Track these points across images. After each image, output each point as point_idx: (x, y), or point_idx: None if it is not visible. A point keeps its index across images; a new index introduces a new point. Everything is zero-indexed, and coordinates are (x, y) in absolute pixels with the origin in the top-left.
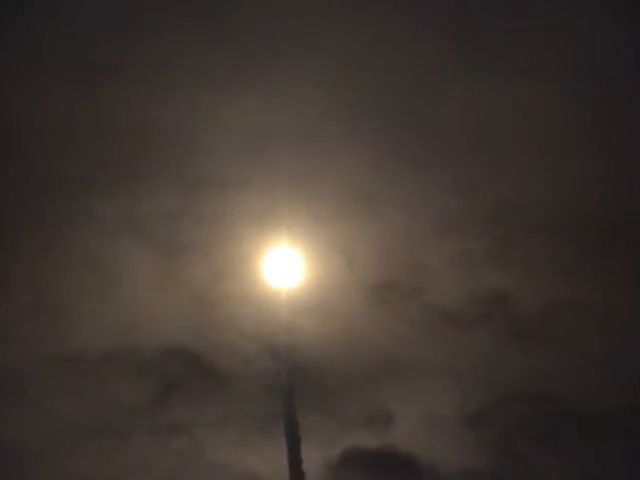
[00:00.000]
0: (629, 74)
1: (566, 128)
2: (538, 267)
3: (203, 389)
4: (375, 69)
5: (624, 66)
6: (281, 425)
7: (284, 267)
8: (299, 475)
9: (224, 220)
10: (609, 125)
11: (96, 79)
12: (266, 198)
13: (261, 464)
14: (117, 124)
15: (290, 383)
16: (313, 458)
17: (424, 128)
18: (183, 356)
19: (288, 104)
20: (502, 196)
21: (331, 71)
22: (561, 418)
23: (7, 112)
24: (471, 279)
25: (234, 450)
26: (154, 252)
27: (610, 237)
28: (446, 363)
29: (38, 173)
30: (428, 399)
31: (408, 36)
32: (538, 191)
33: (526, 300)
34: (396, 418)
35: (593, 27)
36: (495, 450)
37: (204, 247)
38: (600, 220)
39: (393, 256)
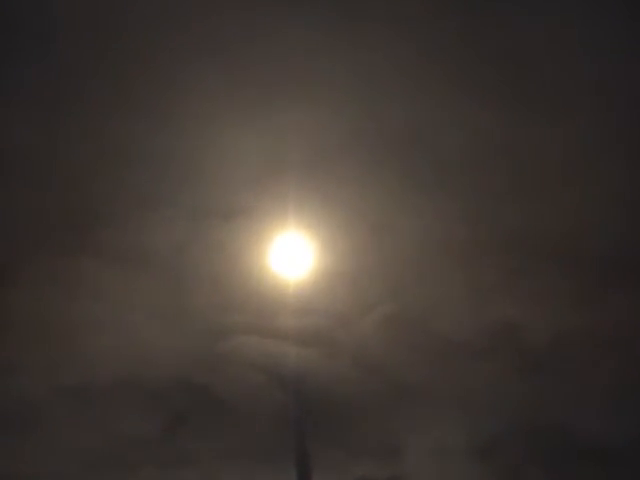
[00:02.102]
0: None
1: (577, 159)
2: (548, 298)
3: (212, 420)
4: (385, 98)
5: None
6: (291, 456)
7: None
8: None
9: (232, 250)
10: (622, 156)
11: (104, 110)
12: (274, 227)
13: None
14: (126, 155)
15: (299, 413)
16: None
17: (435, 158)
18: (192, 387)
19: (298, 134)
20: (512, 226)
21: (341, 100)
22: (571, 450)
23: (15, 143)
24: (480, 309)
25: None
26: (163, 282)
27: (622, 268)
28: (455, 393)
29: (47, 204)
30: (437, 430)
31: (421, 66)
32: (548, 221)
33: (535, 330)
34: (406, 448)
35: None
36: None
37: (213, 277)
38: (612, 251)
39: (402, 285)
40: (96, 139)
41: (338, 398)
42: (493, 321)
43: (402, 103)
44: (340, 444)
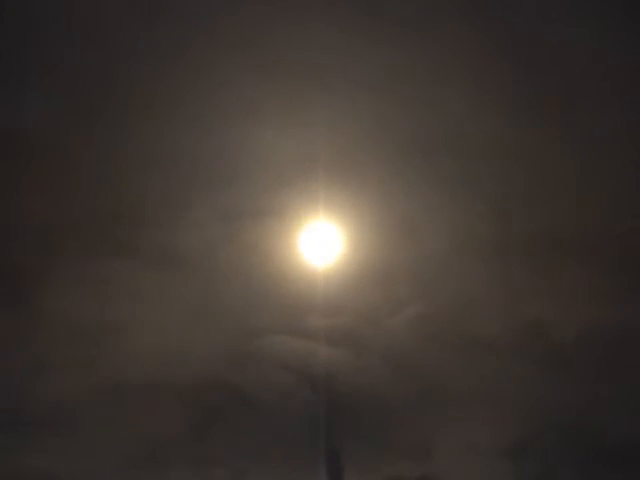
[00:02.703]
0: None
1: (603, 157)
2: (577, 295)
3: (243, 419)
4: (410, 99)
5: None
6: (322, 455)
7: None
8: None
9: (264, 250)
10: None
11: (135, 110)
12: (305, 226)
13: None
14: (157, 156)
15: (330, 413)
16: None
17: (460, 157)
18: (223, 386)
19: (325, 135)
20: (539, 225)
21: (367, 101)
22: (603, 449)
23: (46, 144)
24: (508, 307)
25: None
26: (194, 282)
27: None
28: (485, 392)
29: (79, 205)
30: (468, 429)
31: (442, 68)
32: (575, 219)
33: (566, 329)
34: (436, 448)
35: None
36: None
37: (244, 277)
38: None
39: (430, 284)
40: (127, 140)
41: (368, 397)
42: (522, 319)
43: (428, 103)
44: (371, 443)
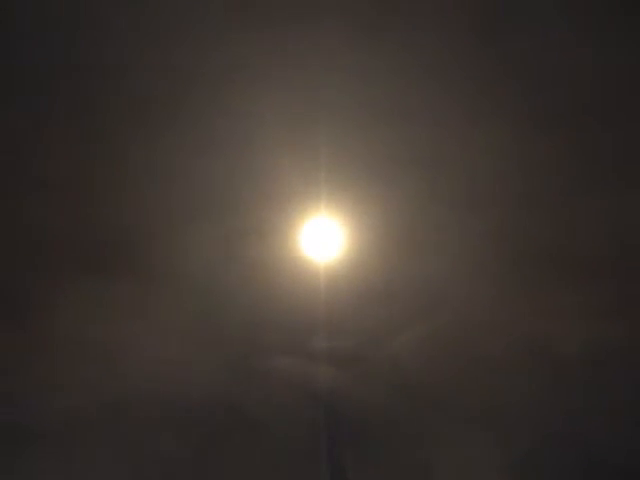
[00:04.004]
0: None
1: (605, 171)
2: (579, 311)
3: (246, 440)
4: (415, 117)
5: None
6: (326, 475)
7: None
8: None
9: (267, 269)
10: None
11: (138, 128)
12: (308, 245)
13: None
14: (163, 173)
15: (333, 432)
16: None
17: (463, 174)
18: (226, 407)
19: (331, 153)
20: (543, 241)
21: (370, 118)
22: (606, 465)
23: (48, 164)
24: (511, 325)
25: None
26: (198, 301)
27: None
28: (488, 410)
29: (82, 224)
30: (471, 446)
31: (446, 86)
32: (579, 236)
33: (567, 344)
34: (439, 465)
35: None
36: None
37: (248, 296)
38: None
39: (432, 302)
40: (130, 158)
41: (372, 416)
42: (525, 337)
43: (432, 121)
44: (374, 463)
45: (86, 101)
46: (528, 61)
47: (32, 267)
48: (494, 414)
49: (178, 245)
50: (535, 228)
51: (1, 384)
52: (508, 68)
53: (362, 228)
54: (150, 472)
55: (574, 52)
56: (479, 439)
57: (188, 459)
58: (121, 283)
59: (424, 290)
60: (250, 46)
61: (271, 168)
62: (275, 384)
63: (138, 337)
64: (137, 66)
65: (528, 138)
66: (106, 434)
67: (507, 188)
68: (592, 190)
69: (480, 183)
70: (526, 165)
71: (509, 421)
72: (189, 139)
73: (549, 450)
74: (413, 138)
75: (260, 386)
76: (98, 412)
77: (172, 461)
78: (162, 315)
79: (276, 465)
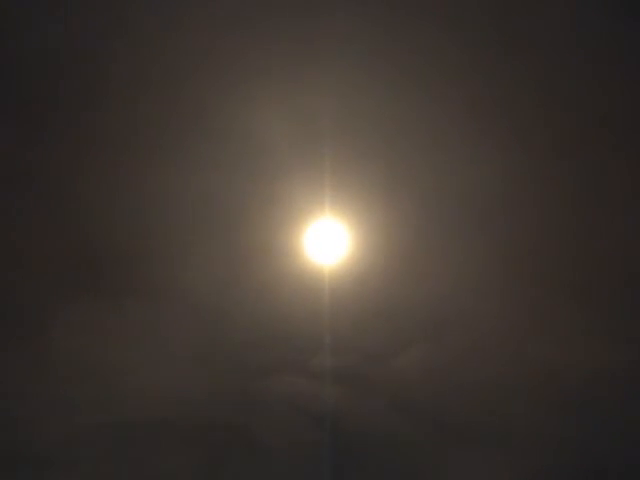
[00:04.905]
0: None
1: (616, 199)
2: (586, 335)
3: (247, 459)
4: (422, 123)
5: None
6: None
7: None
8: None
9: (272, 289)
10: None
11: (145, 148)
12: (313, 265)
13: None
14: (166, 194)
15: (336, 452)
16: None
17: (463, 198)
18: (227, 427)
19: (333, 176)
20: (543, 262)
21: (374, 125)
22: None
23: (54, 181)
24: (517, 349)
25: None
26: (201, 321)
27: None
28: (493, 434)
29: (84, 244)
30: (475, 469)
31: (455, 100)
32: (588, 261)
33: (574, 370)
34: None
35: None
36: None
37: (251, 316)
38: None
39: (436, 325)
40: (136, 178)
41: (375, 438)
42: (530, 360)
43: (428, 141)
44: None
45: (87, 125)
46: (540, 81)
47: (34, 288)
48: (497, 434)
49: (181, 264)
50: (544, 254)
51: (1, 405)
52: (518, 90)
53: (368, 237)
54: None
55: (584, 75)
56: (482, 459)
57: (188, 479)
58: (123, 304)
59: (428, 311)
60: (254, 49)
61: (278, 188)
62: (277, 404)
63: (140, 357)
64: (138, 88)
65: (538, 159)
66: (107, 455)
67: (515, 212)
68: (601, 211)
69: (483, 208)
70: (536, 186)
71: (513, 441)
72: (190, 157)
73: (553, 470)
74: (420, 144)
75: (262, 406)
76: (98, 433)
77: None
78: (164, 335)
79: None
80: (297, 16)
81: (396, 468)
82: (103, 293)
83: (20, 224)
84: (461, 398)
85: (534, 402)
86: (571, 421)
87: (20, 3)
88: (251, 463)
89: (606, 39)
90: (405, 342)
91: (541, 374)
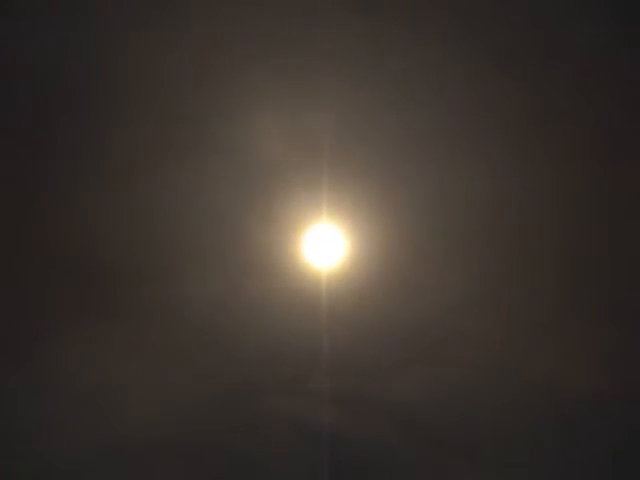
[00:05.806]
0: None
1: (618, 215)
2: (584, 351)
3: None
4: (421, 129)
5: None
6: None
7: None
8: None
9: (270, 307)
10: None
11: (142, 161)
12: (311, 283)
13: None
14: (163, 210)
15: (334, 473)
16: None
17: (462, 206)
18: (225, 447)
19: (342, 190)
20: (544, 276)
21: (372, 129)
22: None
23: (51, 198)
24: (517, 367)
25: None
26: (200, 340)
27: None
28: (493, 453)
29: (81, 261)
30: None
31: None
32: (583, 271)
33: (575, 388)
34: None
35: None
36: None
37: (251, 333)
38: None
39: (436, 344)
40: (135, 195)
41: (374, 458)
42: (531, 379)
43: (422, 162)
44: None
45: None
46: (536, 92)
47: (29, 309)
48: (498, 452)
49: (179, 283)
50: (539, 271)
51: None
52: (520, 103)
53: (367, 250)
54: None
55: (581, 85)
56: (483, 478)
57: None
58: (120, 322)
59: (427, 330)
60: (252, 65)
61: (277, 205)
62: (275, 424)
63: (136, 377)
64: (138, 105)
65: (537, 171)
66: (104, 476)
67: (508, 233)
68: (602, 225)
69: (487, 223)
70: (536, 199)
71: (514, 459)
72: (188, 172)
73: None
74: (420, 154)
75: (260, 427)
76: (97, 454)
77: None
78: (163, 354)
79: None
80: (297, 32)
81: None
82: (97, 311)
83: (15, 241)
84: (459, 417)
85: (535, 420)
86: (573, 439)
87: (20, 19)
88: None
89: (603, 49)
90: (405, 357)
91: (543, 392)
